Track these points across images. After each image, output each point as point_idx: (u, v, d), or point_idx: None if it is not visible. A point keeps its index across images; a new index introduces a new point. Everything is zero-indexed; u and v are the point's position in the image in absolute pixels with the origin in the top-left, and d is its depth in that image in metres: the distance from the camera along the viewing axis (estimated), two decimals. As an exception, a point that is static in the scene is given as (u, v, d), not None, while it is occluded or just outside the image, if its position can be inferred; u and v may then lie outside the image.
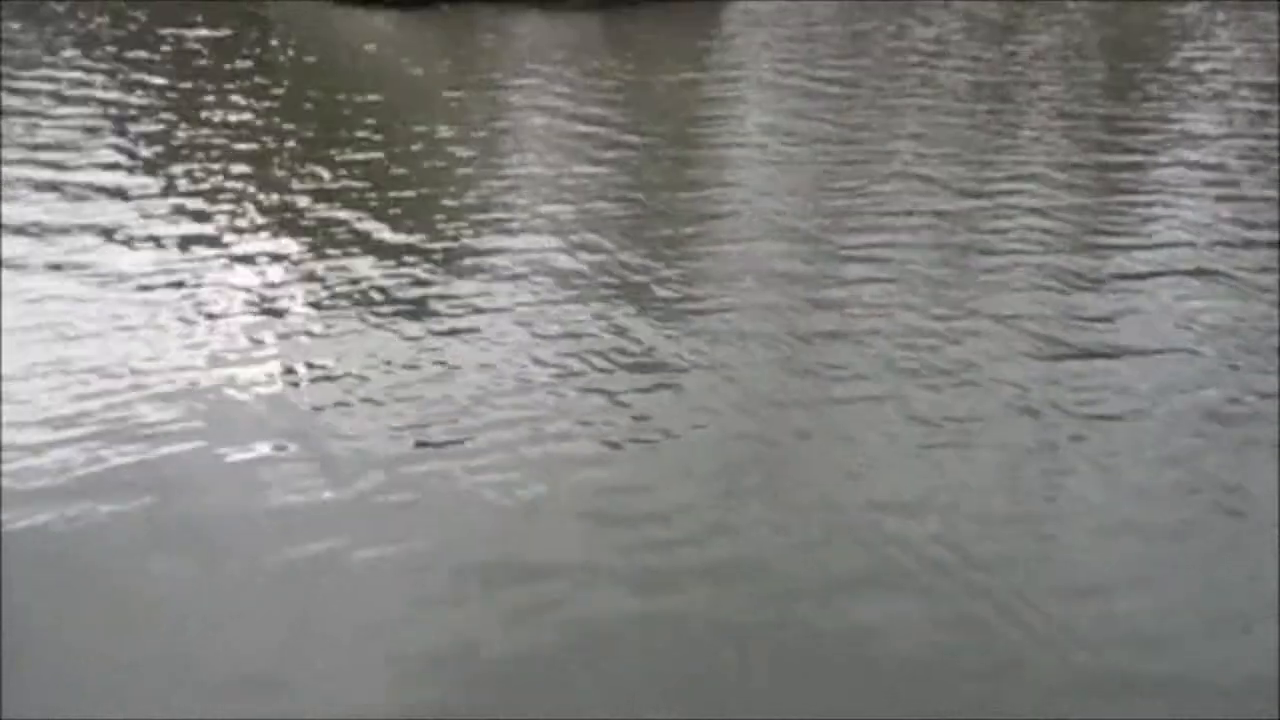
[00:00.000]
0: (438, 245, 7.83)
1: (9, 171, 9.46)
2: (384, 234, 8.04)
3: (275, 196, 8.98)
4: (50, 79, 13.42)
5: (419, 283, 7.13)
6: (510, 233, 8.11)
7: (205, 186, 9.24)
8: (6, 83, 13.09)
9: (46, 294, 6.89)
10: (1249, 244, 7.95)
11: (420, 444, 5.17)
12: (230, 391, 5.67)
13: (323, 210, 8.60)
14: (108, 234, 8.04)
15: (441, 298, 6.89)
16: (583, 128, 11.31)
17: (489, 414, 5.44)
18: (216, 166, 9.84)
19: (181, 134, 10.94)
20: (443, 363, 6.00)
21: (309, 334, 6.38)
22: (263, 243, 7.89)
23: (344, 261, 7.50)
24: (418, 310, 6.70)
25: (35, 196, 8.84)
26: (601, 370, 5.93)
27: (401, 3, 20.40)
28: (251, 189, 9.18)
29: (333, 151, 10.35)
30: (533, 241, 7.93)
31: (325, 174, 9.61)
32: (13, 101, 12.14)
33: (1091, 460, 5.09)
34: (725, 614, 4.05)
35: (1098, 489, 4.87)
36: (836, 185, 9.38)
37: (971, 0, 21.35)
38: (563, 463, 5.02)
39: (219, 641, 3.90)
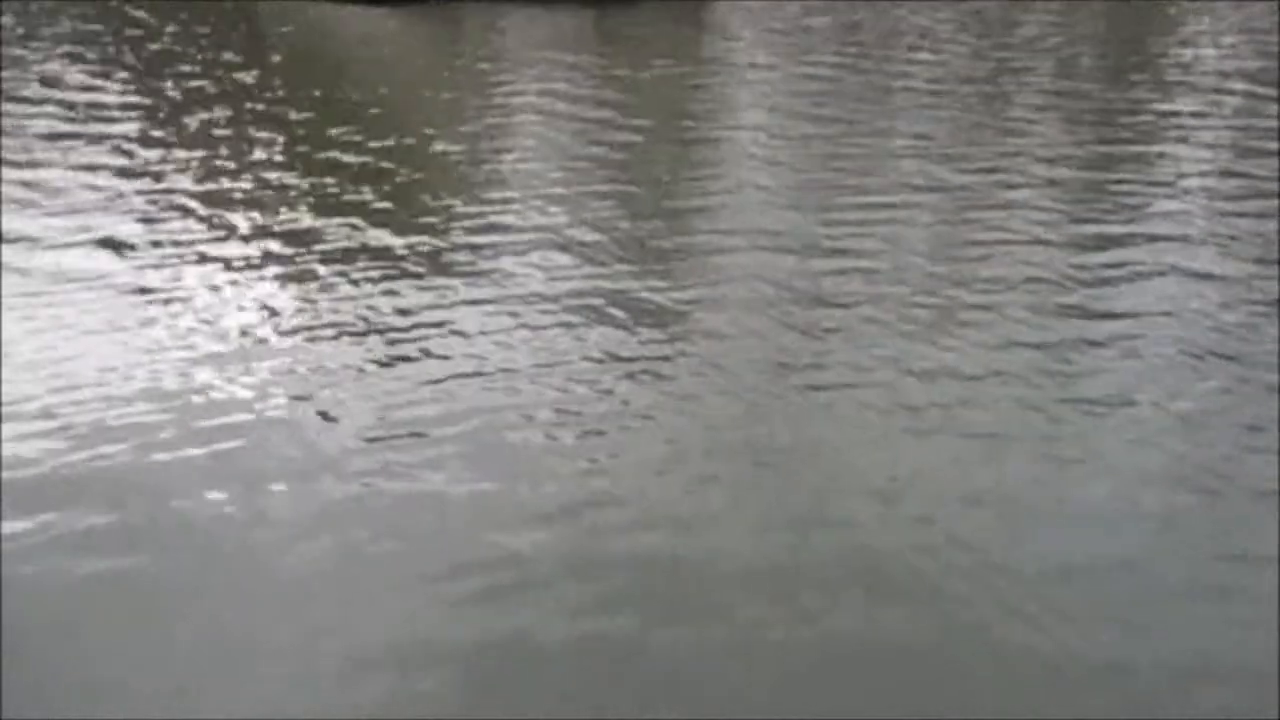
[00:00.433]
0: (431, 239, 7.85)
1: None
2: (377, 228, 8.04)
3: (268, 191, 8.98)
4: (38, 77, 13.40)
5: (412, 275, 7.16)
6: (504, 223, 8.13)
7: (198, 180, 9.24)
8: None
9: (41, 294, 6.89)
10: (1240, 231, 8.00)
11: (415, 434, 5.21)
12: (228, 385, 5.68)
13: (316, 204, 8.61)
14: (101, 231, 8.03)
15: (433, 289, 6.91)
16: (575, 120, 11.33)
17: (481, 402, 5.48)
18: (209, 161, 9.84)
19: (172, 130, 10.94)
20: (437, 353, 6.04)
21: (305, 327, 6.41)
22: (255, 236, 7.90)
23: (339, 256, 7.51)
24: (413, 304, 6.72)
25: (24, 197, 8.83)
26: (590, 359, 5.96)
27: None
28: (243, 183, 9.18)
29: (327, 145, 10.35)
30: (527, 231, 7.95)
31: (319, 168, 9.61)
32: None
33: (1083, 445, 5.13)
34: (707, 601, 4.08)
35: (1089, 472, 4.92)
36: (828, 174, 9.42)
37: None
38: (545, 450, 5.06)
39: (223, 634, 3.94)
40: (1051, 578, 4.21)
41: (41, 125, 11.03)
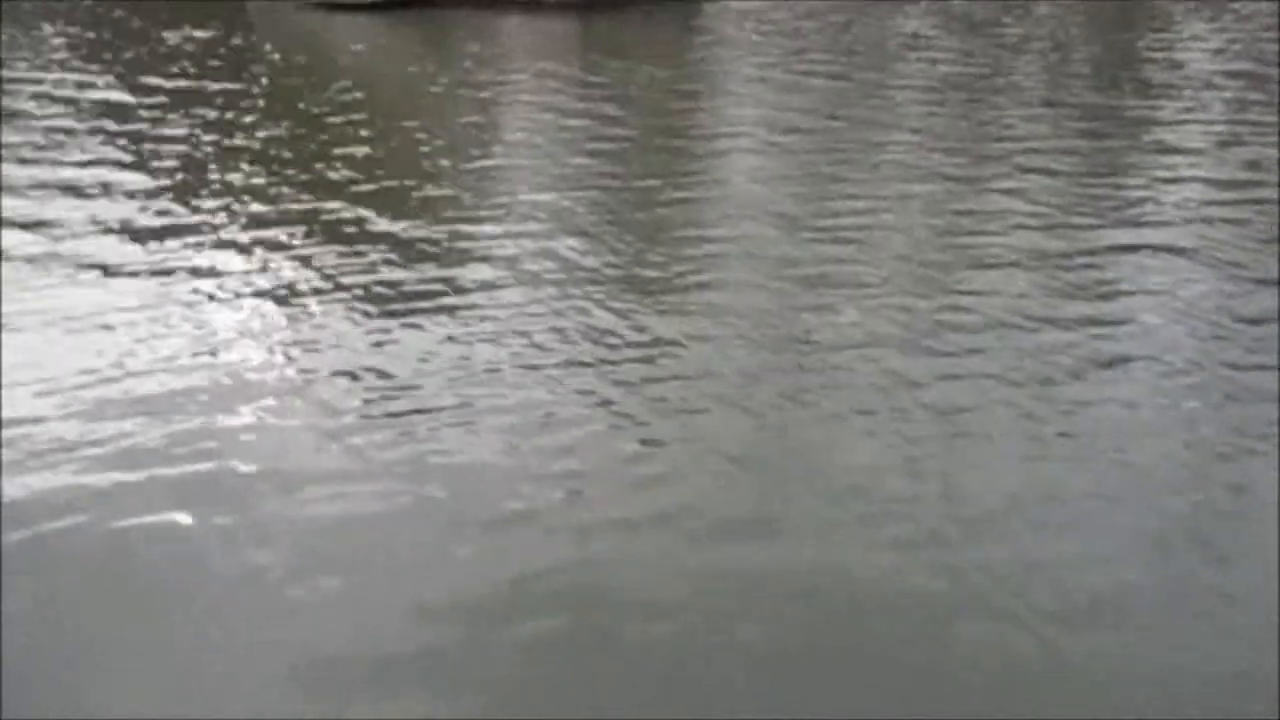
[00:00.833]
0: (426, 234, 7.85)
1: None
2: (372, 224, 8.06)
3: (263, 191, 8.99)
4: (36, 79, 13.37)
5: (408, 268, 7.17)
6: (498, 221, 8.14)
7: (194, 182, 9.23)
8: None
9: (44, 286, 6.87)
10: (1226, 220, 8.05)
11: (418, 410, 5.21)
12: (226, 375, 5.68)
13: (311, 202, 8.62)
14: (96, 227, 8.04)
15: (432, 280, 6.92)
16: (564, 119, 11.35)
17: (477, 387, 5.49)
18: (204, 163, 9.82)
19: (168, 131, 10.91)
20: (433, 341, 6.04)
21: (303, 318, 6.41)
22: (251, 234, 7.90)
23: (335, 249, 7.52)
24: (410, 294, 6.72)
25: (31, 193, 8.81)
26: (587, 348, 5.96)
27: (379, 6, 20.40)
28: (239, 184, 9.17)
29: (321, 146, 10.36)
30: (520, 228, 7.96)
31: (314, 168, 9.63)
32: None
33: (1078, 432, 5.13)
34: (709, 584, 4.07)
35: (1083, 458, 4.91)
36: (820, 171, 9.44)
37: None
38: (541, 433, 5.07)
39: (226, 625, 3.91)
40: (1051, 566, 4.20)
41: (34, 125, 11.01)
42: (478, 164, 9.71)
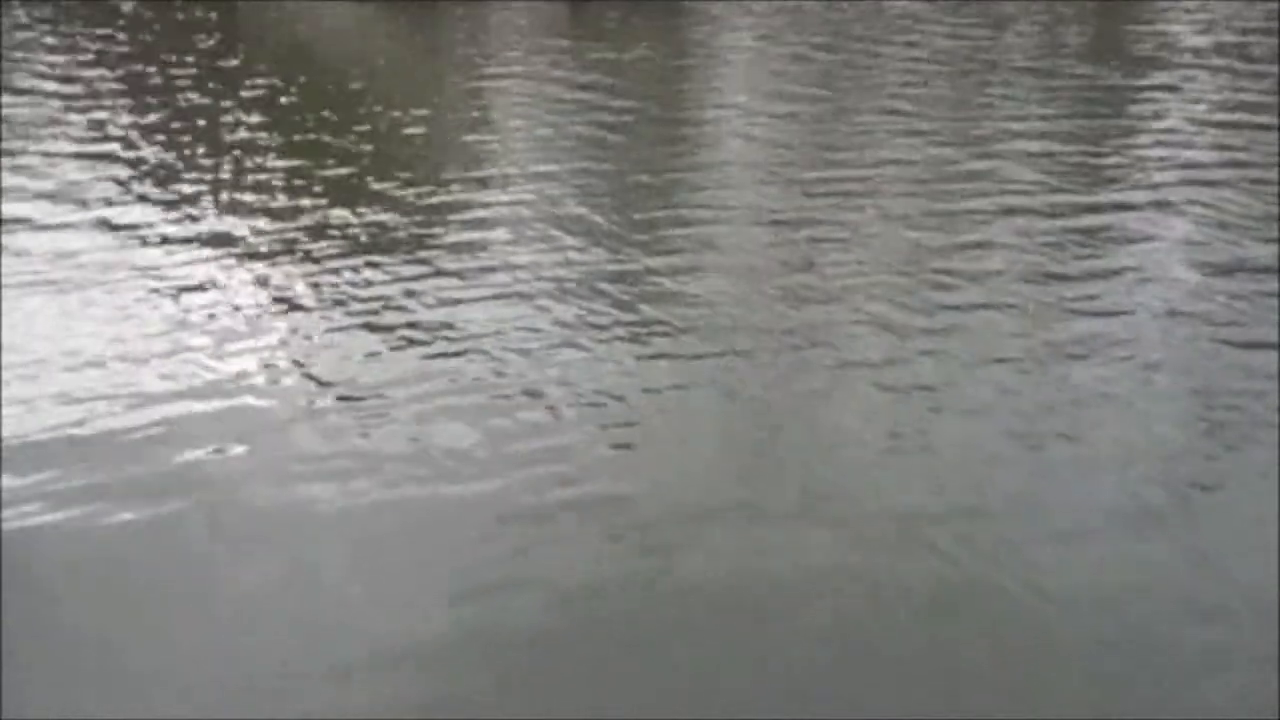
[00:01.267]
0: (413, 216, 7.84)
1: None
2: (358, 206, 8.03)
3: (256, 168, 8.98)
4: (30, 70, 13.31)
5: (401, 251, 7.17)
6: (486, 200, 8.14)
7: (188, 170, 9.18)
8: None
9: (42, 282, 6.82)
10: (1220, 199, 8.06)
11: (411, 399, 5.22)
12: (225, 365, 5.65)
13: (298, 185, 8.59)
14: (91, 212, 8.01)
15: (419, 261, 6.91)
16: (555, 103, 11.31)
17: (467, 369, 5.49)
18: (198, 149, 9.77)
19: (162, 120, 10.85)
20: (432, 323, 6.04)
21: (303, 310, 6.37)
22: (248, 224, 7.85)
23: (333, 246, 7.47)
24: (409, 287, 6.69)
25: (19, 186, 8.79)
26: (583, 326, 5.97)
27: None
28: (234, 171, 9.13)
29: (308, 130, 10.35)
30: (508, 205, 7.98)
31: (300, 151, 9.61)
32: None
33: (1083, 400, 5.15)
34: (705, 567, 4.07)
35: (1075, 441, 4.91)
36: (811, 150, 9.45)
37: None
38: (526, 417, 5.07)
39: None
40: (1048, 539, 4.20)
41: (30, 113, 10.98)
42: (465, 149, 9.70)
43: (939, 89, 11.60)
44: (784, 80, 12.20)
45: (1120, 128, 10.17)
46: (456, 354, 5.66)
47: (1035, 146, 9.44)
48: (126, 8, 17.93)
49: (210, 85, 12.28)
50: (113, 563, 4.07)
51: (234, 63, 13.73)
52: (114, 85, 12.44)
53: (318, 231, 7.52)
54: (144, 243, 7.40)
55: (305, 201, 8.18)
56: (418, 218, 7.80)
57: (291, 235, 7.47)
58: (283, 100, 11.62)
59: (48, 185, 8.66)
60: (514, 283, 6.53)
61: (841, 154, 9.31)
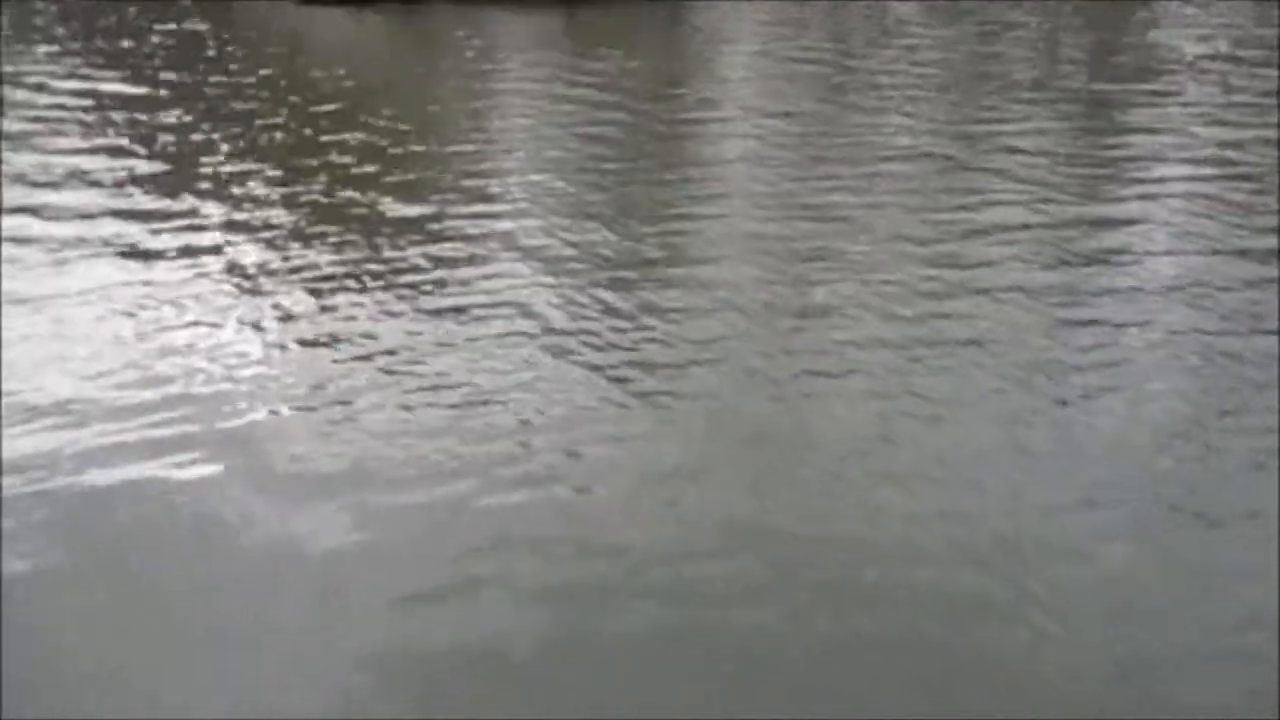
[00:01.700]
0: (425, 222, 7.78)
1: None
2: (369, 213, 8.02)
3: (255, 176, 8.95)
4: (28, 72, 13.33)
5: (400, 245, 7.15)
6: (489, 194, 8.21)
7: (180, 181, 9.16)
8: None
9: (44, 278, 6.81)
10: (1208, 197, 8.07)
11: (410, 399, 5.19)
12: (225, 361, 5.63)
13: (308, 193, 8.54)
14: (90, 209, 8.03)
15: (430, 269, 6.87)
16: (552, 107, 11.32)
17: (482, 371, 5.47)
18: (190, 162, 9.75)
19: (153, 130, 10.85)
20: (433, 328, 6.01)
21: (303, 306, 6.36)
22: (248, 223, 7.83)
23: (334, 242, 7.43)
24: (409, 284, 6.64)
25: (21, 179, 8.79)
26: (585, 335, 5.93)
27: (362, 1, 20.18)
28: (233, 176, 9.09)
29: (304, 135, 10.32)
30: (508, 201, 8.03)
31: (297, 157, 9.58)
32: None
33: (1084, 399, 5.14)
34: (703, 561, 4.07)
35: (1078, 430, 4.92)
36: (808, 152, 9.45)
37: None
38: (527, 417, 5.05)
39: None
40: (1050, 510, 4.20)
41: (32, 114, 10.97)
42: (463, 151, 9.68)
43: (934, 98, 11.62)
44: (780, 91, 12.21)
45: (1114, 136, 10.18)
46: (456, 351, 5.66)
47: (1033, 142, 9.48)
48: (124, 16, 17.96)
49: (204, 96, 12.26)
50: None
51: (228, 73, 13.72)
52: (110, 92, 12.44)
53: (309, 242, 7.44)
54: (132, 253, 7.30)
55: (298, 215, 8.06)
56: (411, 229, 7.75)
57: (282, 246, 7.38)
58: (277, 110, 11.60)
59: (44, 186, 8.64)
60: (506, 289, 6.50)
61: (843, 150, 9.38)
